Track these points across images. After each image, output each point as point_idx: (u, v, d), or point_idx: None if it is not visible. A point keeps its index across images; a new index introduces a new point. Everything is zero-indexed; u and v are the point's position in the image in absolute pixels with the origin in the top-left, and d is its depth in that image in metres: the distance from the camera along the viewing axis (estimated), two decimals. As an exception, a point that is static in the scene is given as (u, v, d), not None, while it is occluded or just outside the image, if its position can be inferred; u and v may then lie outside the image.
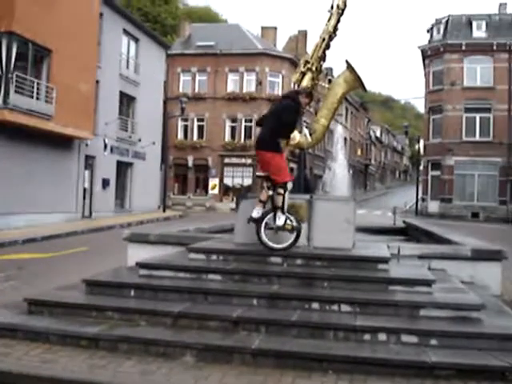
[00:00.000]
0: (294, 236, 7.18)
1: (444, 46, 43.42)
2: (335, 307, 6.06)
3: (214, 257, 7.29)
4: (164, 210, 34.25)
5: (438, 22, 46.09)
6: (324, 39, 8.66)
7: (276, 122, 7.20)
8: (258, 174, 7.59)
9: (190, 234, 9.74)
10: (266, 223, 7.22)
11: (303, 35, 49.76)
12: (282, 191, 7.10)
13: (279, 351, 5.34)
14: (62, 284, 7.58)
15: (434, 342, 5.54)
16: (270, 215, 7.21)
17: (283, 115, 7.19)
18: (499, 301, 7.42)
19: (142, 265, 7.12)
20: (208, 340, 5.54)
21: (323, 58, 8.74)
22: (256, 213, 7.17)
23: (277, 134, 7.27)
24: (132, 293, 6.62)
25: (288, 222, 7.13)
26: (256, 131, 42.13)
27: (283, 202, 7.14)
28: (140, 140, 33.20)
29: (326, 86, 8.81)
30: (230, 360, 5.33)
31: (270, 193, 7.22)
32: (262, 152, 7.26)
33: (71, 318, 6.13)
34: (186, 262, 7.21)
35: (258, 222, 7.17)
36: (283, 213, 7.13)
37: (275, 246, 7.15)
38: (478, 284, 8.12)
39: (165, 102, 40.38)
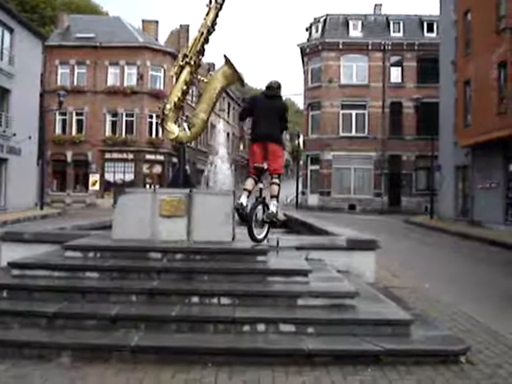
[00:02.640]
0: (267, 226, 7.80)
1: (322, 45, 44.83)
2: (215, 300, 6.08)
3: (91, 254, 7.09)
4: (42, 208, 32.86)
5: (317, 20, 47.45)
6: (202, 33, 8.64)
7: (280, 119, 7.98)
8: (256, 165, 7.81)
9: (66, 232, 9.43)
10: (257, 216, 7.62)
11: (185, 29, 49.44)
12: (278, 181, 7.86)
13: (159, 347, 5.30)
14: None
15: (311, 330, 5.70)
16: (260, 206, 7.71)
17: (285, 114, 8.19)
18: (373, 288, 7.77)
19: (14, 265, 6.80)
20: (85, 339, 5.40)
21: (202, 52, 8.72)
22: (244, 199, 7.55)
23: (281, 130, 8.11)
24: (4, 294, 6.30)
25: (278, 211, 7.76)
26: (140, 125, 41.65)
27: (279, 191, 7.86)
28: (15, 134, 31.61)
29: (205, 80, 8.78)
30: (109, 358, 5.22)
31: (261, 185, 7.82)
32: (272, 144, 7.82)
33: None
34: (61, 261, 6.96)
35: (247, 210, 7.49)
36: (278, 201, 7.76)
37: (258, 237, 7.63)
38: (353, 272, 8.48)
39: (42, 95, 38.70)
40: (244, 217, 7.56)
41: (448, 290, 10.05)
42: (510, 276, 12.82)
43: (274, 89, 8.23)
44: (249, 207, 7.59)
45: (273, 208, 7.66)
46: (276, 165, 7.88)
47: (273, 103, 8.10)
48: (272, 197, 7.76)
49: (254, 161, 7.90)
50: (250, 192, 7.70)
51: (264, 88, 8.31)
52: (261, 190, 7.85)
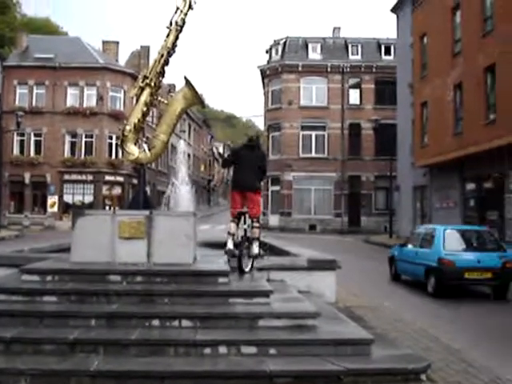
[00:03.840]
0: (252, 260, 8.25)
1: (282, 67, 45.24)
2: (176, 323, 6.03)
3: (49, 277, 6.95)
4: (-2, 230, 32.18)
5: (277, 43, 47.93)
6: (163, 55, 8.65)
7: (258, 169, 8.58)
8: (238, 210, 8.46)
9: (24, 255, 9.23)
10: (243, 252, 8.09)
11: (146, 51, 49.38)
12: (258, 224, 8.50)
13: (119, 371, 5.22)
14: None
15: (272, 351, 5.70)
16: (245, 248, 8.19)
17: (263, 164, 8.82)
18: (334, 308, 7.81)
19: (-32, 289, 6.62)
20: (43, 365, 5.29)
21: (162, 73, 8.72)
22: (231, 245, 8.15)
23: (260, 179, 8.78)
24: (-41, 320, 6.12)
25: (261, 251, 8.54)
26: (100, 146, 41.26)
27: (259, 233, 8.52)
28: (-30, 156, 30.99)
29: (165, 101, 8.77)
30: (68, 384, 5.12)
31: (245, 226, 8.43)
32: (251, 193, 8.45)
33: None
34: (18, 284, 6.81)
35: (235, 252, 8.05)
36: (260, 242, 8.50)
37: (246, 269, 8.02)
38: (314, 293, 8.50)
39: (-1, 116, 38.16)
40: (231, 257, 8.15)
41: (408, 308, 10.16)
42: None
43: (253, 141, 8.90)
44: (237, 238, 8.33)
45: (255, 249, 8.29)
46: (255, 210, 8.49)
47: (252, 153, 8.69)
48: (254, 239, 8.34)
49: (234, 206, 8.55)
50: (233, 235, 8.32)
51: (245, 141, 8.98)
52: (245, 230, 8.42)
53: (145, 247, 7.47)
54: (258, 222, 8.52)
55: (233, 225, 8.43)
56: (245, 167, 8.51)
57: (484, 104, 22.45)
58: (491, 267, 12.54)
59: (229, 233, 8.34)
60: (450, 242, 13.38)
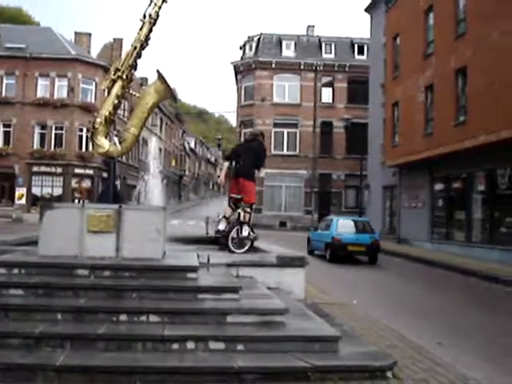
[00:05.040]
0: (249, 243, 9.09)
1: (255, 63, 45.27)
2: (143, 318, 5.98)
3: (16, 270, 6.83)
4: (-37, 222, 31.64)
5: (251, 39, 47.93)
6: (135, 48, 8.56)
7: (254, 158, 9.41)
8: (232, 195, 9.39)
9: (-10, 247, 9.07)
10: (232, 236, 9.01)
11: (119, 43, 48.94)
12: (249, 210, 9.23)
13: (85, 366, 5.15)
14: None
15: (240, 347, 5.69)
16: (235, 229, 9.05)
17: (261, 154, 9.60)
18: (302, 304, 7.85)
19: None
20: (9, 359, 5.19)
21: (134, 66, 8.64)
22: (222, 226, 9.25)
23: (254, 168, 9.51)
24: None
25: (250, 233, 9.14)
26: (70, 138, 40.81)
27: (250, 218, 9.23)
28: None
29: (137, 95, 8.70)
30: (34, 378, 5.03)
31: (239, 210, 9.14)
32: (244, 180, 9.31)
33: None
34: (-17, 277, 6.69)
35: (225, 234, 9.10)
36: (249, 226, 9.15)
37: (238, 251, 8.91)
38: (283, 289, 8.52)
39: (-32, 106, 37.54)
40: (222, 241, 9.25)
41: (375, 305, 10.26)
42: (432, 294, 13.20)
43: (254, 134, 9.99)
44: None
45: (245, 232, 9.08)
46: (247, 197, 9.25)
47: (251, 144, 9.70)
48: (244, 223, 9.12)
49: (231, 192, 9.50)
50: (227, 218, 9.33)
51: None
52: (239, 214, 9.14)
53: (113, 241, 7.39)
54: (250, 208, 9.27)
55: (228, 209, 9.42)
56: (244, 157, 9.43)
57: (454, 105, 22.77)
58: (364, 243, 19.40)
59: (224, 216, 9.39)
60: (339, 227, 20.11)
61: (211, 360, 5.40)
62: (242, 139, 45.51)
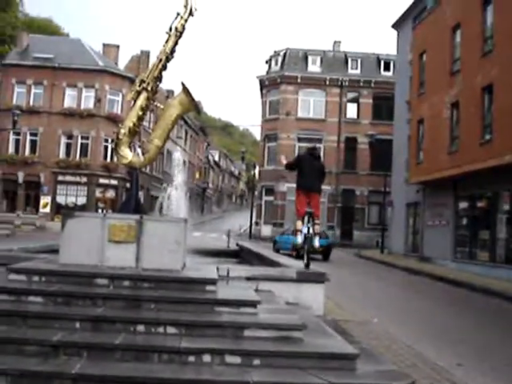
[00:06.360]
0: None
1: (281, 78, 45.42)
2: (161, 329, 5.97)
3: (36, 278, 6.88)
4: (-11, 229, 32.02)
5: (277, 54, 48.13)
6: (161, 60, 8.64)
7: (320, 176, 10.01)
8: (307, 209, 9.56)
9: (12, 254, 9.16)
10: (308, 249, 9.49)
11: (146, 55, 49.46)
12: (318, 222, 9.72)
13: (101, 375, 5.14)
14: None
15: (256, 361, 5.64)
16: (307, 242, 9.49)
17: (324, 172, 10.18)
18: (321, 321, 7.76)
19: (-48, 286, 6.55)
20: (25, 366, 5.19)
21: (159, 78, 8.71)
22: (301, 240, 9.57)
23: (321, 184, 10.09)
24: None
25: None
26: (95, 148, 41.21)
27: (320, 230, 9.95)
28: (-36, 153, 30.86)
29: (161, 106, 8.76)
30: (49, 386, 5.06)
31: (309, 225, 9.48)
32: (316, 195, 9.87)
33: None
34: (4, 283, 6.74)
35: (302, 246, 9.64)
36: (319, 237, 9.81)
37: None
38: (302, 305, 8.44)
39: (-4, 114, 38.19)
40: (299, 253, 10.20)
41: (395, 324, 10.13)
42: (454, 314, 13.02)
43: (317, 152, 10.33)
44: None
45: (316, 243, 9.64)
46: (318, 211, 9.72)
47: (316, 163, 10.03)
48: (316, 234, 9.60)
49: (301, 206, 9.72)
50: (301, 231, 9.57)
51: (306, 149, 10.45)
52: (308, 228, 9.46)
53: (134, 252, 7.42)
54: (318, 219, 9.71)
55: (299, 223, 9.66)
56: (310, 172, 9.74)
57: (480, 123, 22.55)
58: (322, 245, 19.60)
59: (297, 230, 9.72)
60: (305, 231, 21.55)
61: (227, 374, 5.36)
62: (266, 153, 45.70)
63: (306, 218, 9.59)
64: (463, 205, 25.54)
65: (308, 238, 9.47)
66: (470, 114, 23.27)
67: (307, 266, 9.37)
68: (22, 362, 5.27)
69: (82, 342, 5.65)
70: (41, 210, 41.66)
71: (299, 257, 18.45)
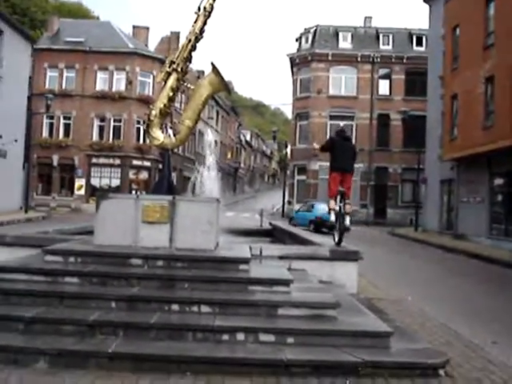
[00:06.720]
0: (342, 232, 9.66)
1: (311, 55, 44.98)
2: (195, 308, 6.05)
3: (72, 259, 7.02)
4: (26, 211, 32.62)
5: (307, 31, 47.63)
6: (190, 40, 8.63)
7: (353, 156, 10.16)
8: (340, 189, 9.77)
9: (48, 236, 9.35)
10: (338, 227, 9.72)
11: (176, 37, 49.39)
12: (349, 201, 9.90)
13: (136, 354, 5.25)
14: None
15: (290, 340, 5.68)
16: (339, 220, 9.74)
17: (355, 151, 10.36)
18: (354, 299, 7.76)
19: (-9, 268, 6.71)
20: (62, 345, 5.33)
21: (189, 59, 8.71)
22: (333, 217, 9.86)
23: (354, 164, 10.23)
24: (-19, 298, 6.20)
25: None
26: (128, 130, 41.53)
27: (350, 209, 9.94)
28: (1, 137, 31.36)
29: (192, 87, 8.77)
30: (86, 365, 5.17)
31: (341, 204, 9.71)
32: (349, 175, 10.03)
33: None
34: (41, 265, 6.89)
35: (335, 224, 9.88)
36: (350, 216, 9.87)
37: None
38: (335, 283, 8.47)
39: (30, 98, 38.68)
40: (331, 228, 10.69)
41: (429, 302, 10.07)
42: (489, 292, 12.88)
43: (346, 133, 10.65)
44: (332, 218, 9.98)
45: (347, 222, 9.70)
46: (349, 191, 9.93)
47: (348, 144, 10.30)
48: (347, 213, 9.71)
49: (335, 186, 9.86)
50: (334, 209, 9.80)
51: (335, 132, 10.77)
52: (340, 207, 9.70)
53: (167, 232, 7.49)
54: (348, 199, 9.87)
55: (333, 202, 9.88)
56: (343, 153, 9.93)
57: (516, 98, 22.05)
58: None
59: (331, 208, 9.94)
60: (320, 209, 28.06)
61: (261, 352, 5.41)
62: (298, 132, 45.50)
63: (338, 197, 9.76)
64: (498, 181, 25.11)
65: (340, 216, 9.65)
66: (505, 88, 22.75)
67: (339, 243, 9.53)
68: (60, 342, 5.40)
69: (118, 321, 5.77)
70: (75, 192, 42.26)
71: (317, 230, 23.97)
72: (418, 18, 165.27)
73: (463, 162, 28.17)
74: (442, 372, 5.40)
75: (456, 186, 29.67)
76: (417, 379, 5.24)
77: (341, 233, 9.63)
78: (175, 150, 9.28)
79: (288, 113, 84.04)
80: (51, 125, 42.74)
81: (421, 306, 9.22)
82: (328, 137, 11.43)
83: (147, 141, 38.37)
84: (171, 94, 8.62)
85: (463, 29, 28.05)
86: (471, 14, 26.59)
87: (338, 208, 9.76)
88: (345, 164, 9.95)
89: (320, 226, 27.85)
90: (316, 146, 11.46)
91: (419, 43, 45.16)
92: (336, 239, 9.74)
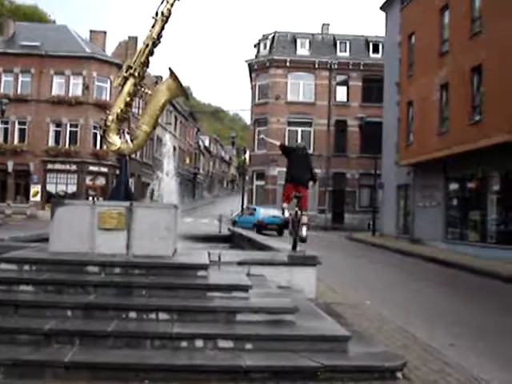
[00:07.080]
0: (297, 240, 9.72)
1: (270, 62, 45.21)
2: (153, 315, 5.98)
3: (27, 267, 6.87)
4: (-21, 218, 31.84)
5: (265, 37, 47.85)
6: (147, 45, 8.57)
7: (309, 169, 10.25)
8: (296, 194, 9.73)
9: (3, 243, 9.12)
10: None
11: (133, 41, 49.01)
12: (306, 213, 9.81)
13: (93, 363, 5.17)
14: None
15: (249, 346, 5.67)
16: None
17: (313, 169, 10.48)
18: (313, 304, 7.79)
19: None
20: (17, 355, 5.20)
21: (146, 63, 8.64)
22: (287, 214, 10.07)
23: (309, 180, 10.18)
24: None
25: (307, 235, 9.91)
26: (85, 136, 40.97)
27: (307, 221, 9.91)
28: (-48, 142, 30.56)
29: (149, 92, 8.70)
30: (42, 375, 5.06)
31: (297, 209, 9.65)
32: (303, 189, 9.92)
33: None
34: (-6, 273, 6.72)
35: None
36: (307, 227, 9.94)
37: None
38: (294, 288, 8.48)
39: (-17, 103, 37.77)
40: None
41: (387, 306, 10.18)
42: (449, 295, 13.09)
43: (305, 151, 10.82)
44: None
45: (304, 232, 9.70)
46: (305, 203, 9.85)
47: (305, 159, 10.33)
48: (304, 224, 9.71)
49: (289, 194, 9.97)
50: (287, 209, 10.09)
51: (296, 147, 10.72)
52: (296, 212, 9.68)
53: (124, 239, 7.41)
54: (305, 211, 9.79)
55: (285, 204, 10.09)
56: (299, 166, 9.99)
57: (470, 104, 22.57)
58: (276, 223, 30.58)
59: (284, 207, 10.13)
60: (262, 213, 32.94)
61: (220, 358, 5.39)
62: (256, 138, 45.60)
63: (295, 201, 9.79)
64: (453, 186, 25.60)
65: (295, 222, 9.71)
66: (460, 95, 23.27)
67: (294, 248, 9.63)
68: (15, 352, 5.28)
69: (74, 329, 5.67)
70: (31, 198, 41.43)
71: (259, 232, 25.32)
72: (375, 26, 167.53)
73: (419, 168, 28.64)
74: (399, 375, 5.46)
75: (412, 191, 30.15)
76: (375, 382, 5.29)
77: (294, 239, 9.68)
78: (133, 156, 9.19)
79: (247, 118, 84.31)
80: (6, 130, 41.84)
81: (379, 310, 9.31)
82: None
83: (104, 146, 37.85)
84: (128, 99, 8.54)
85: (419, 36, 28.58)
86: (426, 22, 27.11)
87: (294, 212, 9.77)
88: (300, 177, 9.97)
89: (261, 228, 30.56)
90: (276, 142, 11.47)
91: (376, 50, 45.84)
92: (291, 244, 9.82)
